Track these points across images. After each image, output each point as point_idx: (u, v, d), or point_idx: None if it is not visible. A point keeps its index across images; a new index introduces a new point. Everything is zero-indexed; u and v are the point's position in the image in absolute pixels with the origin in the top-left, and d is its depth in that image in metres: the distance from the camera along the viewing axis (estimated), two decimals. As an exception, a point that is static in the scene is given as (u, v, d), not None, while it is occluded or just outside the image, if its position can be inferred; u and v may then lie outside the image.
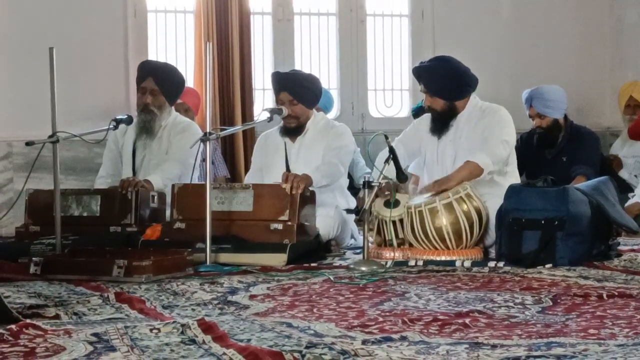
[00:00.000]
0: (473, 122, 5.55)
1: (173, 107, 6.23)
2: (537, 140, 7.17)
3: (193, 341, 2.95)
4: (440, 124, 5.60)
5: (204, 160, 5.33)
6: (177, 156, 5.95)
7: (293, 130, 5.85)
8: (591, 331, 3.09)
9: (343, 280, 4.44)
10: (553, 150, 7.17)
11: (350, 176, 6.72)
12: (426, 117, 5.89)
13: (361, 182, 5.17)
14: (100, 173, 6.31)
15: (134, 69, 7.36)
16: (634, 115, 7.58)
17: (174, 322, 3.20)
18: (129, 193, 5.59)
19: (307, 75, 6.16)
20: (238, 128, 6.98)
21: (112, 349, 2.87)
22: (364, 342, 2.94)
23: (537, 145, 7.17)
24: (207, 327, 3.07)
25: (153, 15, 7.76)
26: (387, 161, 5.24)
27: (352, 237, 6.00)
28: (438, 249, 5.13)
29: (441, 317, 3.38)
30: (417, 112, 6.94)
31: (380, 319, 3.38)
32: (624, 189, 6.89)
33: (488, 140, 5.42)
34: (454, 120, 5.58)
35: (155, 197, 5.72)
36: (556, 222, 4.89)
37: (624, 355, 2.70)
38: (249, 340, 3.00)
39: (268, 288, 4.23)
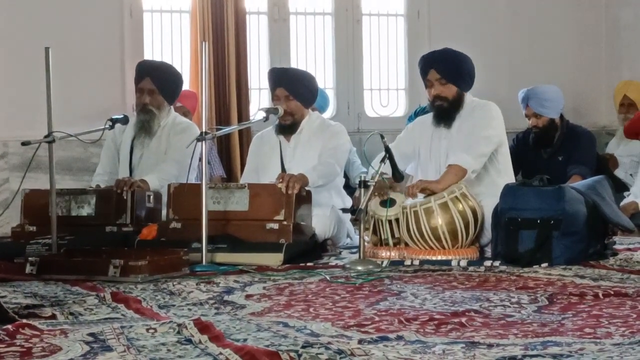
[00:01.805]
0: (464, 119, 5.55)
1: (172, 108, 6.23)
2: (533, 140, 7.18)
3: (189, 341, 2.95)
4: (447, 116, 5.56)
5: (200, 160, 5.33)
6: (175, 156, 5.95)
7: (288, 127, 5.85)
8: (587, 330, 3.09)
9: (339, 280, 4.43)
10: (549, 149, 7.19)
11: (346, 175, 6.72)
12: (421, 118, 5.90)
13: (357, 182, 5.18)
14: (98, 170, 6.31)
15: (129, 69, 7.36)
16: (629, 114, 7.59)
17: (170, 321, 3.19)
18: (124, 193, 5.59)
19: (304, 72, 6.20)
20: (234, 128, 6.98)
21: (109, 348, 2.87)
22: (360, 341, 2.94)
23: (533, 145, 7.18)
24: (203, 327, 3.07)
25: (149, 15, 7.76)
26: (383, 160, 5.24)
27: (348, 236, 6.00)
28: (434, 249, 5.13)
29: (437, 316, 3.38)
30: (420, 115, 6.88)
31: (377, 319, 3.38)
32: (620, 188, 6.89)
33: (470, 138, 5.41)
34: (458, 113, 5.56)
35: (151, 196, 5.72)
36: (552, 222, 4.89)
37: (620, 354, 2.71)
38: (245, 340, 3.00)
39: (264, 288, 4.23)
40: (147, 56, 7.52)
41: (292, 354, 2.64)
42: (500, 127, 5.52)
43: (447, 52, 5.63)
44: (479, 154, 5.36)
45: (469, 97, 5.62)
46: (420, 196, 5.25)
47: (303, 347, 2.78)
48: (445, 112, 5.57)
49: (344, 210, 5.45)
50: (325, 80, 8.18)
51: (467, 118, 5.53)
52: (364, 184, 5.06)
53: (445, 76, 5.53)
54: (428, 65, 5.60)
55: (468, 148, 5.35)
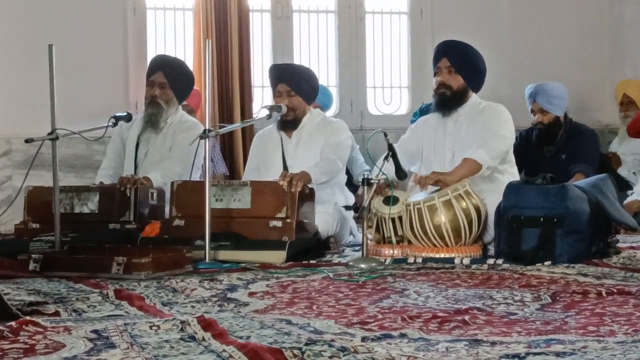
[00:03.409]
0: (472, 119, 5.56)
1: (180, 106, 6.23)
2: (537, 136, 7.19)
3: (193, 338, 2.95)
4: (447, 105, 5.58)
5: (203, 158, 5.33)
6: (179, 154, 5.95)
7: (290, 123, 5.86)
8: (590, 328, 3.09)
9: (342, 278, 4.43)
10: (552, 147, 7.20)
11: (348, 173, 6.72)
12: (424, 117, 5.91)
13: (360, 179, 5.18)
14: (103, 165, 6.32)
15: (133, 67, 7.39)
16: (628, 112, 7.62)
17: (173, 319, 3.19)
18: (128, 190, 5.59)
19: (305, 68, 6.21)
20: (237, 125, 6.99)
21: (112, 345, 2.87)
22: (364, 339, 2.94)
23: (536, 142, 7.20)
24: (206, 324, 3.07)
25: (152, 12, 7.77)
26: (386, 158, 5.25)
27: (351, 234, 6.01)
28: (437, 246, 5.13)
29: (440, 314, 3.38)
30: (424, 112, 6.88)
31: (380, 316, 3.37)
32: (623, 186, 6.91)
33: (486, 136, 5.43)
34: (461, 108, 5.57)
35: (155, 194, 5.73)
36: (555, 220, 4.89)
37: (623, 352, 2.70)
38: (248, 337, 3.00)
39: (267, 285, 4.23)
40: (151, 54, 7.53)
41: (295, 351, 2.64)
42: (512, 130, 5.58)
43: (463, 44, 5.67)
44: (496, 151, 5.39)
45: (475, 97, 5.63)
46: (432, 188, 5.25)
47: (306, 344, 2.77)
48: (446, 101, 5.59)
49: (347, 207, 5.45)
50: (328, 78, 8.20)
51: (476, 117, 5.54)
52: (367, 182, 5.06)
53: (455, 65, 5.55)
54: (441, 53, 5.64)
55: (484, 144, 5.37)
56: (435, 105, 5.67)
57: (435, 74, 5.67)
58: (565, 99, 7.17)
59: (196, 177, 5.83)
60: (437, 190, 5.21)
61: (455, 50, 5.63)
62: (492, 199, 5.24)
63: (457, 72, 5.57)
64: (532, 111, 7.19)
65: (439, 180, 5.22)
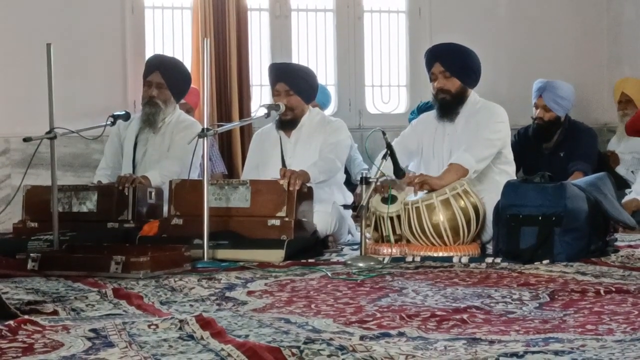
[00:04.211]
0: (468, 118, 5.55)
1: (178, 105, 6.23)
2: (533, 132, 7.20)
3: (191, 337, 2.95)
4: (450, 109, 5.56)
5: (202, 157, 5.33)
6: (177, 154, 5.95)
7: (288, 122, 5.85)
8: (589, 327, 3.09)
9: (341, 276, 4.43)
10: (550, 145, 7.20)
11: (347, 172, 6.72)
12: (424, 115, 5.89)
13: (358, 178, 5.18)
14: (101, 165, 6.32)
15: (131, 66, 7.39)
16: (627, 111, 7.63)
17: (172, 317, 3.20)
18: (126, 189, 5.59)
19: (304, 67, 6.20)
20: (235, 124, 6.98)
21: (111, 344, 2.87)
22: (362, 337, 2.94)
23: (533, 137, 7.20)
24: (205, 323, 3.07)
25: (150, 11, 7.76)
26: (384, 157, 5.24)
27: (350, 233, 6.00)
28: (435, 245, 5.13)
29: (439, 312, 3.38)
30: (422, 110, 6.87)
31: (378, 315, 3.38)
32: (621, 185, 6.91)
33: (473, 140, 5.41)
34: (461, 108, 5.56)
35: (153, 193, 5.73)
36: (554, 218, 4.89)
37: (622, 350, 2.71)
38: (247, 336, 3.00)
39: (266, 284, 4.23)
40: (149, 53, 7.52)
41: (293, 350, 2.64)
42: (504, 131, 5.52)
43: (453, 46, 5.65)
44: (481, 156, 5.36)
45: (474, 95, 5.62)
46: (421, 192, 5.25)
47: (305, 343, 2.78)
48: (447, 106, 5.57)
49: (346, 206, 5.45)
50: (326, 77, 8.20)
51: (472, 116, 5.53)
52: (365, 181, 5.06)
53: (449, 69, 5.54)
54: (433, 58, 5.62)
55: (469, 148, 5.35)
56: (437, 111, 5.64)
57: (431, 80, 5.65)
58: (571, 101, 7.20)
59: (194, 176, 5.83)
60: (428, 193, 5.21)
61: (447, 54, 5.60)
62: (490, 197, 5.24)
63: (452, 75, 5.55)
64: (535, 105, 7.19)
65: (425, 182, 5.20)
